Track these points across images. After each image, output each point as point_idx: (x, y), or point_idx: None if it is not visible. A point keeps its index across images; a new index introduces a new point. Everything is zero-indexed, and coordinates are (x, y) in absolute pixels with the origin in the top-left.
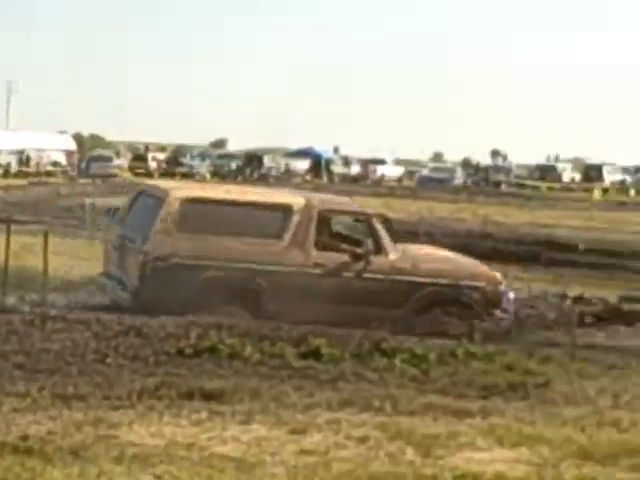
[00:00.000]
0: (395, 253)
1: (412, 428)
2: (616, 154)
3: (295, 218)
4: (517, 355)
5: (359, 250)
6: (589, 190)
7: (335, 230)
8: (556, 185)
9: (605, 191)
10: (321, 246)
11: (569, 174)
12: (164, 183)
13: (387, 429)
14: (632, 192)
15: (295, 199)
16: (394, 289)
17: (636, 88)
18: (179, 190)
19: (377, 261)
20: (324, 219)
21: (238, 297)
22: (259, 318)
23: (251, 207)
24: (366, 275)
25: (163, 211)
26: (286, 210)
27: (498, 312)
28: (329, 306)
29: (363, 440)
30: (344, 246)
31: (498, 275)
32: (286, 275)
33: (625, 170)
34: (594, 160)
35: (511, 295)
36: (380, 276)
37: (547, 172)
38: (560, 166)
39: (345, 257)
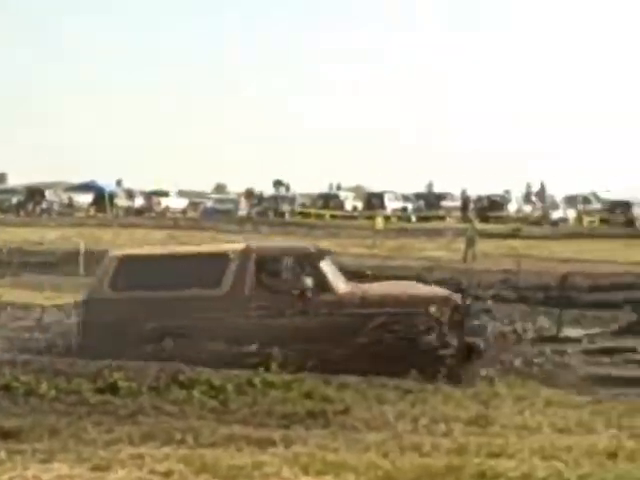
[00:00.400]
0: (343, 289)
1: (216, 460)
2: (396, 182)
3: (233, 265)
4: (315, 382)
5: (296, 289)
6: (371, 218)
7: (283, 272)
8: (339, 213)
9: (387, 219)
10: (262, 290)
11: (351, 202)
12: None
13: (191, 462)
14: (413, 218)
15: (232, 247)
16: (341, 324)
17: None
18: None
19: (322, 298)
20: (264, 263)
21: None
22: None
23: (190, 258)
24: (310, 313)
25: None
26: (224, 258)
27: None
28: (273, 348)
29: (168, 474)
30: (285, 287)
31: (455, 297)
32: (226, 321)
33: (406, 198)
34: (375, 188)
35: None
36: (325, 312)
37: (330, 200)
38: (342, 194)
39: (287, 298)
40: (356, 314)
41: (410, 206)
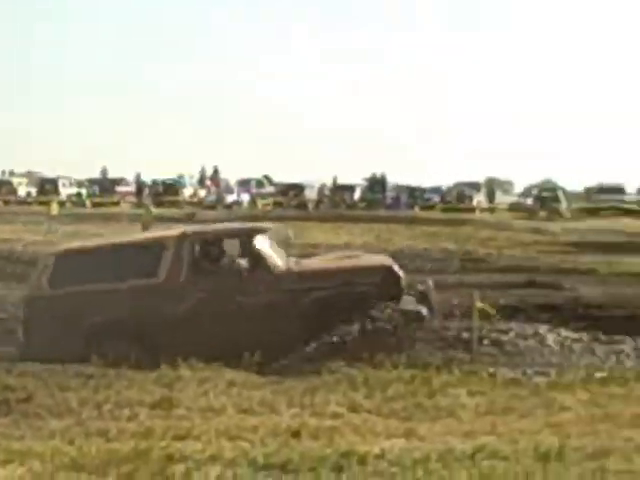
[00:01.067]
0: (282, 266)
1: None
2: (71, 168)
3: (168, 253)
4: None
5: (233, 271)
6: (46, 203)
7: (219, 254)
8: (12, 199)
9: (62, 204)
10: (199, 275)
11: (25, 188)
12: None
13: None
14: (88, 204)
15: (168, 234)
16: (281, 302)
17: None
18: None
19: (258, 277)
20: (200, 247)
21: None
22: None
23: (127, 248)
24: (249, 295)
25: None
26: (160, 246)
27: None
28: (217, 330)
29: None
30: (222, 270)
31: (394, 267)
32: (164, 310)
33: (80, 183)
34: (49, 174)
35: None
36: (262, 291)
37: (2, 187)
38: (15, 180)
39: (224, 281)
40: (293, 290)
41: (84, 191)
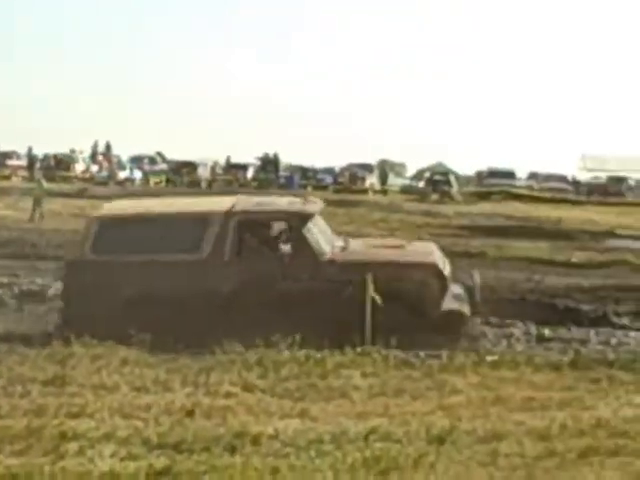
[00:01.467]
0: (327, 254)
1: None
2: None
3: (213, 228)
4: None
5: (280, 253)
6: None
7: (266, 235)
8: None
9: None
10: (243, 253)
11: None
12: None
13: None
14: None
15: (214, 209)
16: (321, 291)
17: None
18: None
19: (302, 263)
20: (247, 226)
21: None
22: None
23: (172, 219)
24: (290, 280)
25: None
26: (205, 221)
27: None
28: (255, 313)
29: None
30: (265, 250)
31: (436, 261)
32: (205, 288)
33: None
34: None
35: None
36: (305, 277)
37: None
38: None
39: (269, 263)
40: (334, 281)
41: None
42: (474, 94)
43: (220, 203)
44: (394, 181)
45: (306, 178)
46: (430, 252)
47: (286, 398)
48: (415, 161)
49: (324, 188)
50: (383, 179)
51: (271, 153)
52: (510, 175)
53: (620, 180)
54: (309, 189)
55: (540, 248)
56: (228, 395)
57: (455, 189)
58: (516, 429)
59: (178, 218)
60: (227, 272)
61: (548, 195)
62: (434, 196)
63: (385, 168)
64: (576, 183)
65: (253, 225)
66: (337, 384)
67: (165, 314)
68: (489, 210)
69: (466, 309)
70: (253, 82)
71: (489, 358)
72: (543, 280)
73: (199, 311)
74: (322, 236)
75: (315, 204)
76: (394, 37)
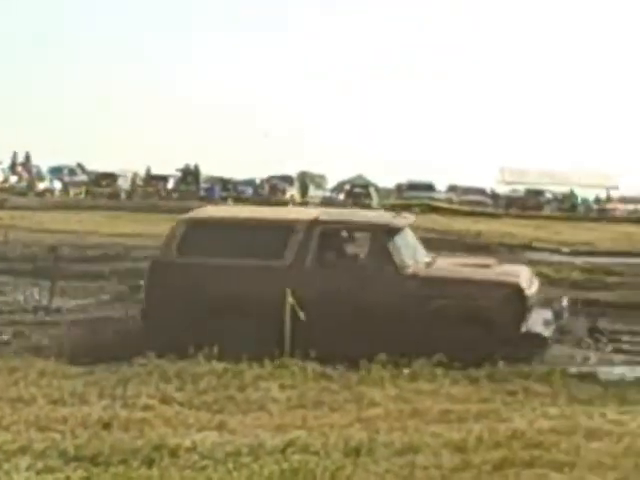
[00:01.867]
0: (410, 268)
1: None
2: None
3: (297, 236)
4: None
5: (361, 265)
6: None
7: (350, 246)
8: None
9: None
10: (326, 262)
11: None
12: None
13: None
14: None
15: (299, 217)
16: (401, 306)
17: None
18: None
19: (384, 276)
20: (331, 236)
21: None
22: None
23: (258, 225)
24: (370, 292)
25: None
26: (289, 228)
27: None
28: (333, 323)
29: None
30: (348, 260)
31: (519, 282)
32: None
33: None
34: None
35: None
36: (386, 292)
37: None
38: None
39: (351, 274)
40: (415, 296)
41: None
42: (392, 107)
43: (305, 212)
44: (314, 193)
45: (226, 190)
46: (516, 273)
47: (204, 410)
48: (336, 173)
49: (244, 200)
50: (303, 191)
51: (192, 164)
52: (429, 188)
53: (538, 193)
54: (229, 201)
55: None
56: (146, 408)
57: (375, 202)
58: (433, 441)
59: (264, 224)
60: (308, 280)
61: (467, 208)
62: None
63: (305, 180)
64: (495, 196)
65: (337, 235)
66: (255, 396)
67: (245, 318)
68: None
69: (548, 333)
70: (175, 92)
71: (406, 370)
72: None
73: (278, 317)
74: (407, 250)
75: (405, 219)
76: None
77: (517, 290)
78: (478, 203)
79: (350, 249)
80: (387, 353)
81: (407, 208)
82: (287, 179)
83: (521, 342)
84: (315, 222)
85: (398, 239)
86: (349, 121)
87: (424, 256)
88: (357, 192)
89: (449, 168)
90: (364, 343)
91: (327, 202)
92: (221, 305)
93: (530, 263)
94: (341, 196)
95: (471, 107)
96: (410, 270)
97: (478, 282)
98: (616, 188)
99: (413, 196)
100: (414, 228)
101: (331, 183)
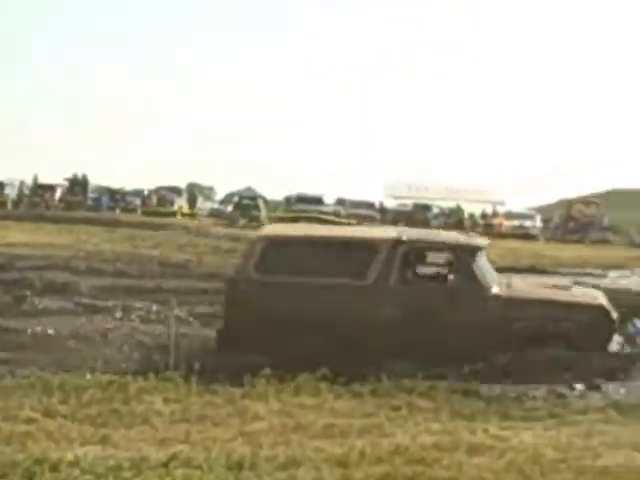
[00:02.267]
0: (493, 288)
1: None
2: None
3: (380, 255)
4: None
5: (446, 284)
6: None
7: (433, 265)
8: None
9: None
10: (408, 281)
11: None
12: None
13: None
14: None
15: (381, 235)
16: (485, 325)
17: None
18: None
19: (468, 295)
20: (413, 255)
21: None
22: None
23: (338, 244)
24: (454, 311)
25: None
26: (372, 247)
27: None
28: (416, 341)
29: None
30: (431, 279)
31: (604, 304)
32: (370, 314)
33: None
34: None
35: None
36: (471, 311)
37: None
38: None
39: (434, 293)
40: (499, 315)
41: None
42: (286, 120)
43: (386, 231)
44: (203, 205)
45: (115, 200)
46: (597, 295)
47: (88, 424)
48: (225, 185)
49: (133, 210)
50: (192, 202)
51: (80, 174)
52: (318, 201)
53: (425, 207)
54: (117, 211)
55: None
56: (28, 421)
57: (263, 214)
58: (316, 456)
59: (345, 243)
60: (392, 299)
61: (354, 221)
62: (242, 221)
63: (194, 191)
64: (383, 210)
65: (420, 254)
66: (139, 410)
67: (327, 336)
68: None
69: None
70: (67, 99)
71: (291, 385)
72: None
73: (360, 335)
74: (488, 270)
75: (482, 239)
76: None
77: (604, 312)
78: (366, 217)
79: (433, 268)
80: (469, 370)
81: (295, 220)
82: (176, 190)
83: (609, 363)
84: (398, 241)
85: (480, 259)
86: (237, 134)
87: (499, 276)
88: (245, 204)
89: (339, 182)
90: (445, 361)
91: (215, 214)
92: (302, 323)
93: None
94: (229, 208)
95: (360, 122)
96: (493, 290)
97: (564, 304)
98: (502, 204)
99: (301, 209)
100: None
101: (220, 194)
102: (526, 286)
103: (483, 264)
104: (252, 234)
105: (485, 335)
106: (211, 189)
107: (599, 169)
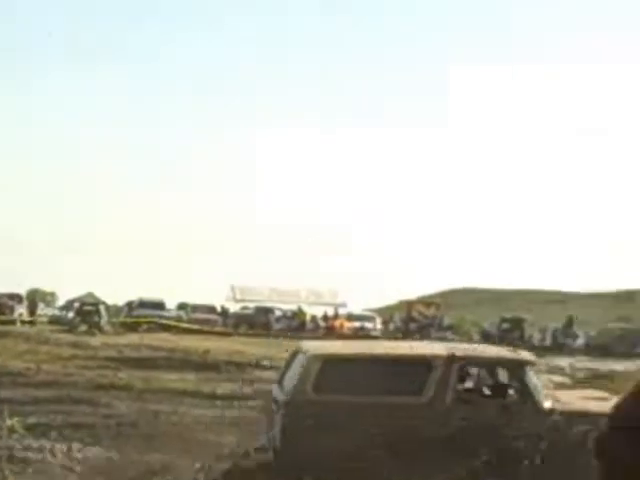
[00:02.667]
0: (548, 402)
1: None
2: None
3: (435, 372)
4: None
5: (502, 402)
6: None
7: (486, 381)
8: None
9: None
10: (463, 398)
11: None
12: None
13: None
14: None
15: (435, 352)
16: (547, 439)
17: None
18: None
19: (525, 412)
20: (468, 371)
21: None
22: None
23: (392, 361)
24: (512, 428)
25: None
26: (426, 364)
27: None
28: (478, 461)
29: None
30: (485, 396)
31: None
32: (425, 432)
33: None
34: None
35: None
36: (529, 427)
37: None
38: None
39: (490, 410)
40: (559, 429)
41: None
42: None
43: (437, 347)
44: (44, 311)
45: None
46: None
47: None
48: (67, 291)
49: None
50: (32, 309)
51: None
52: (160, 306)
53: (268, 311)
54: None
55: (187, 380)
56: None
57: (105, 320)
58: None
59: (401, 360)
60: (448, 417)
61: (196, 326)
62: (83, 327)
63: (35, 298)
64: (224, 313)
65: (474, 370)
66: None
67: (385, 456)
68: (137, 341)
69: None
70: None
71: None
72: (189, 412)
73: (418, 455)
74: (540, 386)
75: (530, 354)
76: None
77: None
78: (207, 321)
79: (487, 384)
80: None
81: (137, 326)
82: (16, 297)
83: None
84: (453, 358)
85: (532, 374)
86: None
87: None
88: (87, 310)
89: (181, 285)
90: (507, 478)
91: (56, 320)
92: (361, 443)
93: (258, 381)
94: (70, 314)
95: (200, 229)
96: (547, 404)
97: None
98: (344, 306)
99: (143, 314)
100: (140, 346)
101: (61, 301)
102: (573, 399)
103: (536, 379)
104: (92, 341)
105: (544, 450)
106: (53, 295)
107: (437, 268)
